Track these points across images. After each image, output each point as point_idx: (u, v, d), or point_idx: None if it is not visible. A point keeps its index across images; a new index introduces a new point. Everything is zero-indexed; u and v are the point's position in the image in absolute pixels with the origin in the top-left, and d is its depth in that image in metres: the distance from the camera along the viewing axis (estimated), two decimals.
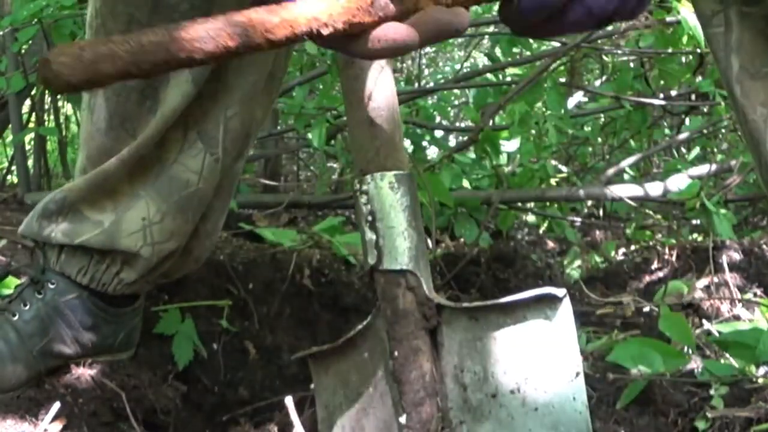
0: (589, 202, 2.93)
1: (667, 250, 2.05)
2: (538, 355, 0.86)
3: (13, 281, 1.40)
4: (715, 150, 3.86)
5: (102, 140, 1.19)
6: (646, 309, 1.75)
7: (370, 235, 0.91)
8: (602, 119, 3.45)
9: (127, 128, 1.17)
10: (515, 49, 2.96)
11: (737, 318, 1.63)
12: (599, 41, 2.89)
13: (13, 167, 2.91)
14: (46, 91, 2.68)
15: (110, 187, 1.19)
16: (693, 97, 3.34)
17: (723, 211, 2.32)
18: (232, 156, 1.24)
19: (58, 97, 2.67)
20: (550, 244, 2.88)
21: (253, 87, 1.20)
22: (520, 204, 2.71)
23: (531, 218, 2.93)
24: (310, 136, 2.64)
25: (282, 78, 1.32)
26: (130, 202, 1.19)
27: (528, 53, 3.16)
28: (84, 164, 1.22)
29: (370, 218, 0.91)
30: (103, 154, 1.19)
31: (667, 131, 3.84)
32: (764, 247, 1.89)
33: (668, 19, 2.58)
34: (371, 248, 0.91)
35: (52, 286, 1.22)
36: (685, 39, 2.52)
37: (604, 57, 3.13)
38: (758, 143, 1.02)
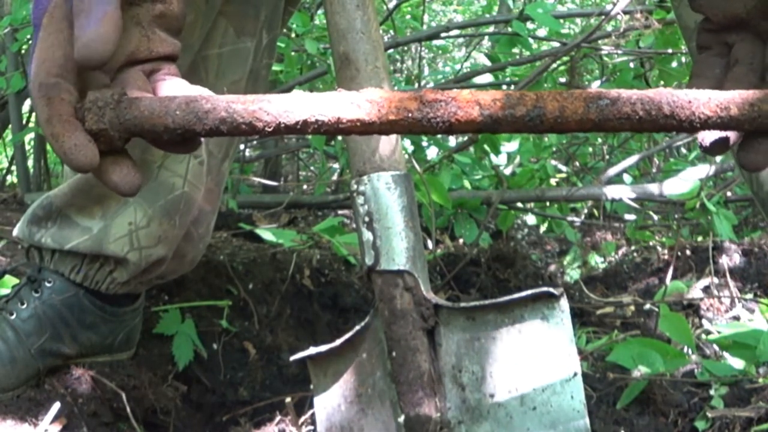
0: (589, 202, 2.93)
1: (667, 251, 2.05)
2: (536, 355, 0.86)
3: (10, 281, 1.40)
4: None
5: None
6: (646, 309, 1.75)
7: (368, 236, 0.91)
8: None
9: None
10: (515, 50, 2.96)
11: (737, 318, 1.63)
12: (599, 41, 2.88)
13: (13, 167, 2.91)
14: None
15: (98, 194, 1.19)
16: None
17: (723, 211, 2.32)
18: (217, 158, 1.24)
19: None
20: (550, 244, 2.88)
21: (235, 87, 1.20)
22: (520, 204, 2.70)
23: (531, 219, 2.92)
24: (310, 136, 2.63)
25: (268, 76, 1.32)
26: (118, 209, 1.19)
27: (528, 53, 3.16)
28: None
29: (367, 219, 0.91)
30: None
31: None
32: (764, 247, 1.89)
33: (668, 18, 2.58)
34: (368, 249, 0.91)
35: (48, 285, 1.22)
36: None
37: (604, 57, 3.13)
38: None
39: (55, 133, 0.63)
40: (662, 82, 2.97)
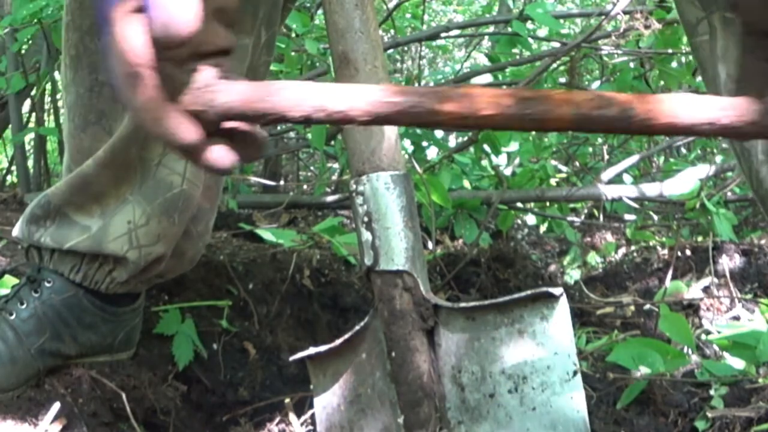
0: (589, 203, 2.93)
1: (667, 251, 2.05)
2: (536, 355, 0.86)
3: (10, 281, 1.40)
4: (715, 150, 3.86)
5: (81, 138, 1.19)
6: (646, 309, 1.75)
7: (367, 236, 0.91)
8: None
9: (104, 125, 1.17)
10: (515, 50, 2.96)
11: (737, 318, 1.63)
12: (599, 41, 2.88)
13: (13, 167, 2.91)
14: (46, 91, 2.68)
15: (96, 192, 1.19)
16: None
17: (723, 211, 2.32)
18: None
19: (58, 96, 2.67)
20: (550, 244, 2.88)
21: None
22: (520, 204, 2.70)
23: (531, 219, 2.92)
24: (310, 136, 2.64)
25: (267, 73, 1.32)
26: (117, 207, 1.19)
27: (528, 53, 3.16)
28: (68, 163, 1.22)
29: (366, 219, 0.91)
30: (83, 153, 1.19)
31: None
32: (764, 247, 1.89)
33: (668, 18, 2.58)
34: (368, 249, 0.91)
35: (48, 285, 1.22)
36: (685, 39, 2.52)
37: (604, 57, 3.13)
38: (749, 154, 1.01)
39: (154, 117, 0.62)
40: (662, 82, 2.97)
